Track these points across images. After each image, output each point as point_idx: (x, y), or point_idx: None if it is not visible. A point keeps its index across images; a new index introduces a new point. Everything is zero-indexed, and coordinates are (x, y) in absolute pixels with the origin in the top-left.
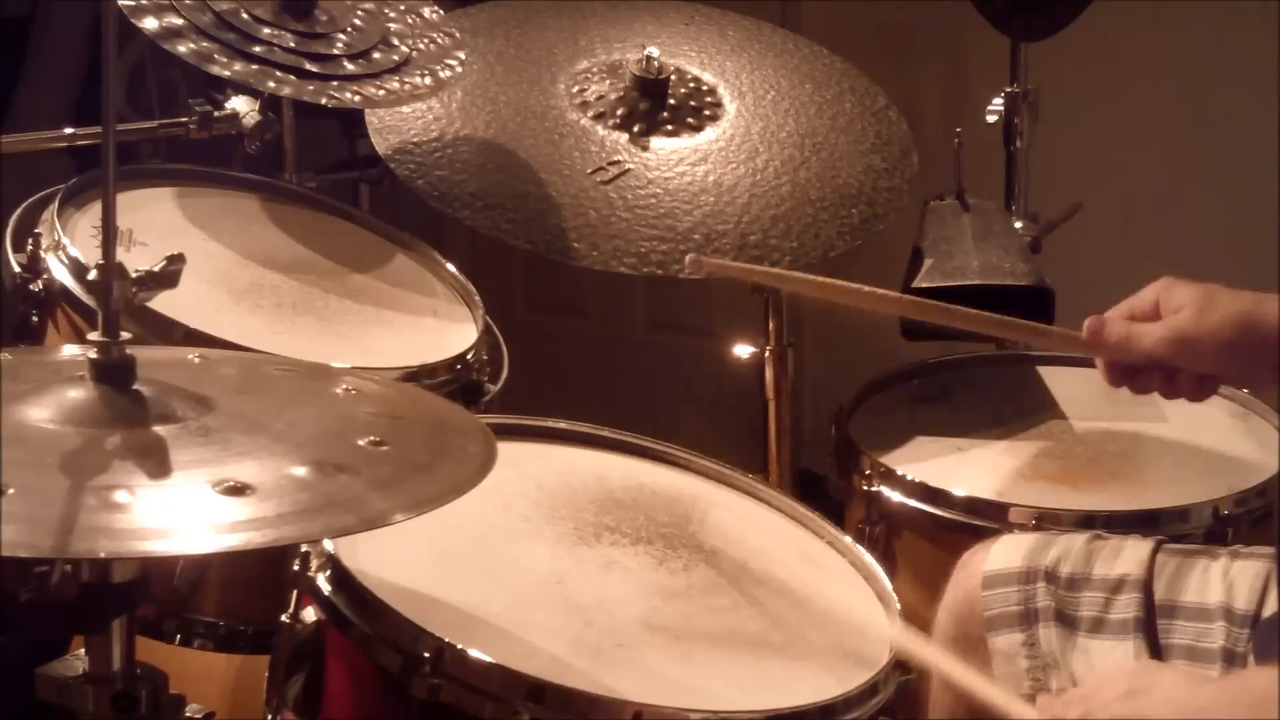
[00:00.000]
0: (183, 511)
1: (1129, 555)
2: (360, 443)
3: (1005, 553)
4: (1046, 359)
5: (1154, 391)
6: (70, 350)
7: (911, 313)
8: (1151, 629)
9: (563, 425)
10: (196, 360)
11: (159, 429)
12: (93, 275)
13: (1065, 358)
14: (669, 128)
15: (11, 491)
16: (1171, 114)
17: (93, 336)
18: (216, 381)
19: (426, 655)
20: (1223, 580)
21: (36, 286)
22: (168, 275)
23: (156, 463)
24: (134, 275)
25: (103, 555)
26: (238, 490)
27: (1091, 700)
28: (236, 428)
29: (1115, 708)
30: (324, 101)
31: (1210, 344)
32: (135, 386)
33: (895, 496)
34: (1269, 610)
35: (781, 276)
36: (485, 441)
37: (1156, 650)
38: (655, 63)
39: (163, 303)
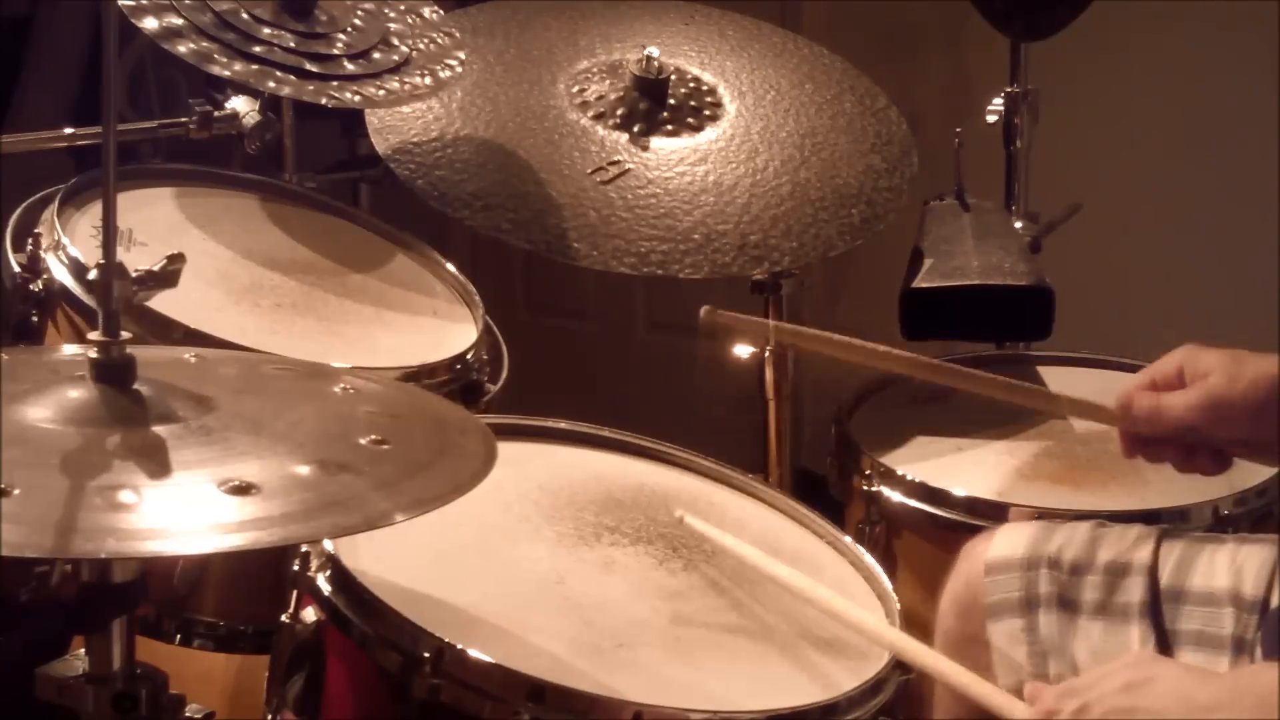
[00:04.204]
0: (188, 511)
1: (1134, 542)
2: (361, 441)
3: (1008, 540)
4: (1046, 359)
5: (1168, 462)
6: (69, 350)
7: (927, 375)
8: (1157, 614)
9: (563, 425)
10: (193, 360)
11: (159, 429)
12: (93, 275)
13: (1065, 357)
14: (669, 128)
15: (17, 493)
16: (1171, 114)
17: (93, 336)
18: (215, 381)
19: (426, 655)
20: (1230, 565)
21: (36, 286)
22: (168, 274)
23: (158, 463)
24: (134, 274)
25: (110, 556)
26: (243, 490)
27: (1088, 693)
28: (237, 427)
29: (1113, 701)
30: (324, 101)
31: (1242, 408)
32: (135, 386)
33: (895, 496)
34: (1277, 598)
35: (797, 333)
36: (484, 440)
37: (1163, 636)
38: (655, 63)
39: (163, 303)
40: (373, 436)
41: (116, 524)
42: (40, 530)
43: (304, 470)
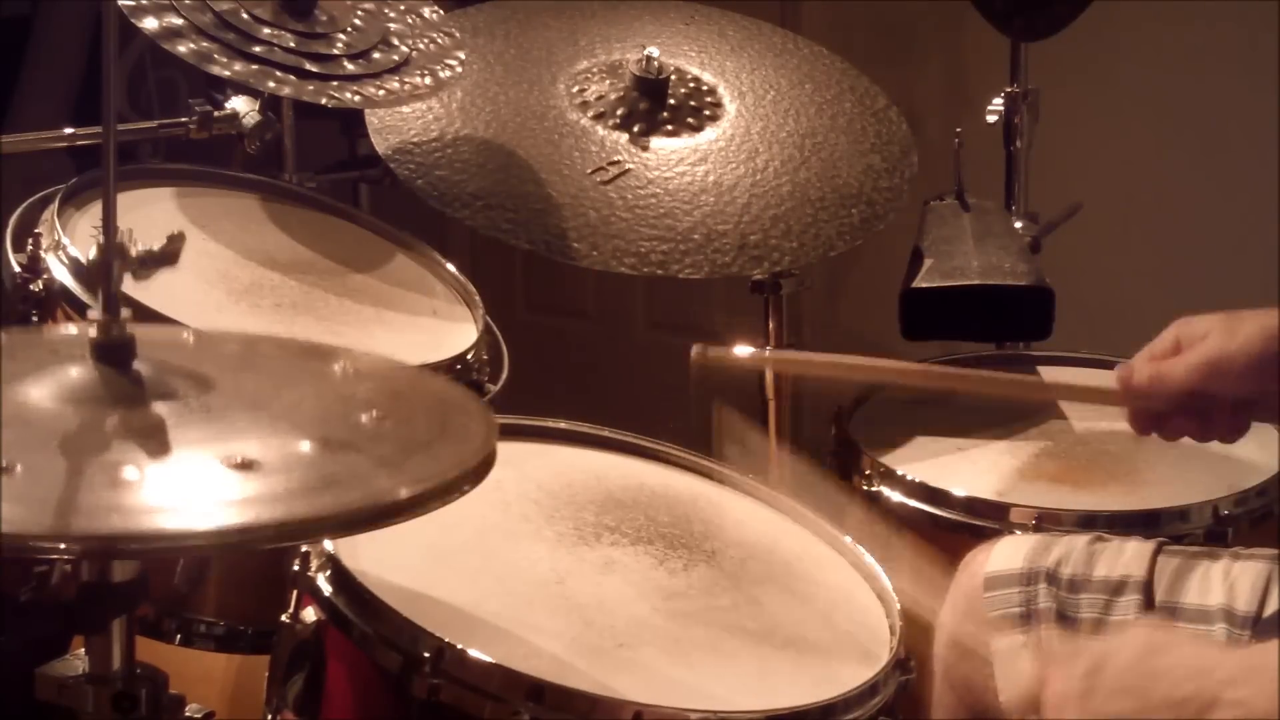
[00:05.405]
0: (192, 487)
1: (1130, 557)
2: (363, 419)
3: (1007, 554)
4: (1046, 359)
5: (1185, 436)
6: (69, 330)
7: (932, 382)
8: None
9: (563, 425)
10: (190, 339)
11: (159, 407)
12: (93, 254)
13: (1065, 357)
14: (669, 128)
15: (19, 470)
16: (1171, 114)
17: (92, 314)
18: (214, 360)
19: (426, 655)
20: (1224, 581)
21: (36, 286)
22: (168, 254)
23: (158, 442)
24: (135, 254)
25: (113, 534)
26: (246, 466)
27: (1103, 649)
28: (238, 406)
29: (1128, 662)
30: (324, 101)
31: (1242, 362)
32: (134, 365)
33: (895, 496)
34: (1269, 612)
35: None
36: (485, 420)
37: None
38: (655, 63)
39: (162, 302)
40: (374, 412)
41: (119, 501)
42: (42, 508)
43: (306, 447)
